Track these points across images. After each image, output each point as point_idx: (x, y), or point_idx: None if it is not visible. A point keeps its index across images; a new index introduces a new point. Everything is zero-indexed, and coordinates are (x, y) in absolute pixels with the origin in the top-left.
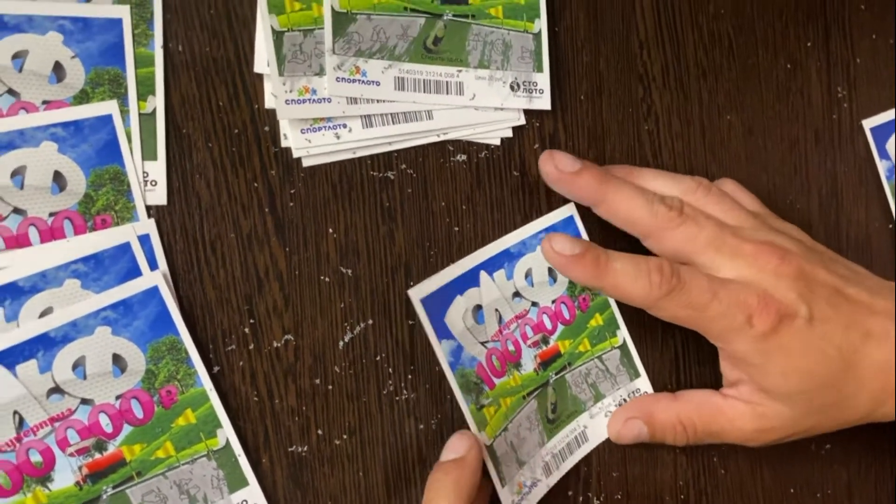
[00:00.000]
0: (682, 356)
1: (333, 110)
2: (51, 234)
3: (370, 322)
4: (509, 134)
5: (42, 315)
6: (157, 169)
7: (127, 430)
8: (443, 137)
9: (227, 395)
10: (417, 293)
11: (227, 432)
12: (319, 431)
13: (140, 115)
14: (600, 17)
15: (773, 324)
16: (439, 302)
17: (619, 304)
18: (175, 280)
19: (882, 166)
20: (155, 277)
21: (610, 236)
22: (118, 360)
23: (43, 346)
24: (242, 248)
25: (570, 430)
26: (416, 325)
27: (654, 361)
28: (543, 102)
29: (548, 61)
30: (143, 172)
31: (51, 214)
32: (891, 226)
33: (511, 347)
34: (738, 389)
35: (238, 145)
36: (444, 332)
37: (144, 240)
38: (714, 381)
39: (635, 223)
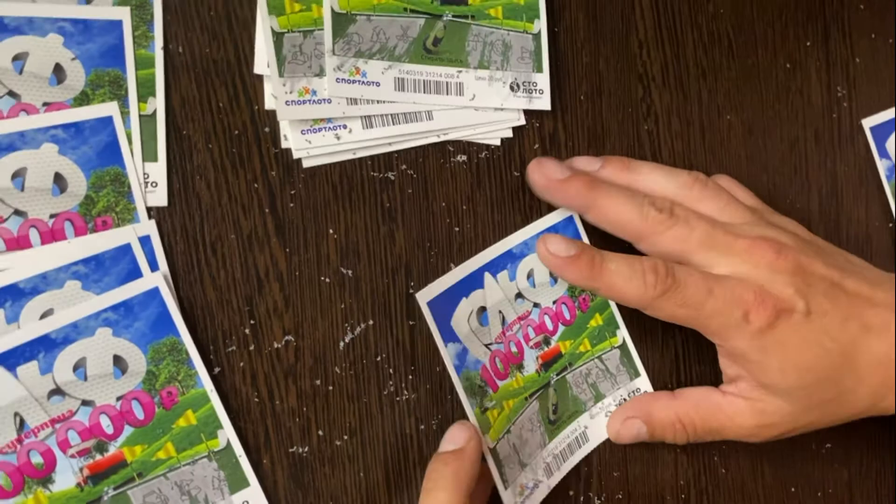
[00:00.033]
0: (682, 355)
1: (333, 111)
2: (51, 235)
3: (371, 323)
4: (509, 134)
5: (43, 316)
6: (158, 170)
7: (128, 431)
8: (443, 138)
9: (227, 395)
10: (424, 296)
11: (227, 433)
12: (320, 432)
13: (140, 116)
14: (600, 18)
15: (770, 319)
16: (445, 305)
17: (618, 304)
18: (175, 281)
19: (882, 165)
20: (155, 279)
21: (609, 237)
22: (119, 362)
23: (44, 347)
24: (243, 249)
25: (571, 431)
26: (416, 326)
27: (654, 361)
28: (543, 103)
29: (547, 61)
30: (144, 174)
31: (51, 216)
32: (891, 225)
33: (514, 349)
34: (737, 386)
35: (238, 146)
36: (449, 336)
37: (145, 241)
38: (715, 379)
39: (626, 228)
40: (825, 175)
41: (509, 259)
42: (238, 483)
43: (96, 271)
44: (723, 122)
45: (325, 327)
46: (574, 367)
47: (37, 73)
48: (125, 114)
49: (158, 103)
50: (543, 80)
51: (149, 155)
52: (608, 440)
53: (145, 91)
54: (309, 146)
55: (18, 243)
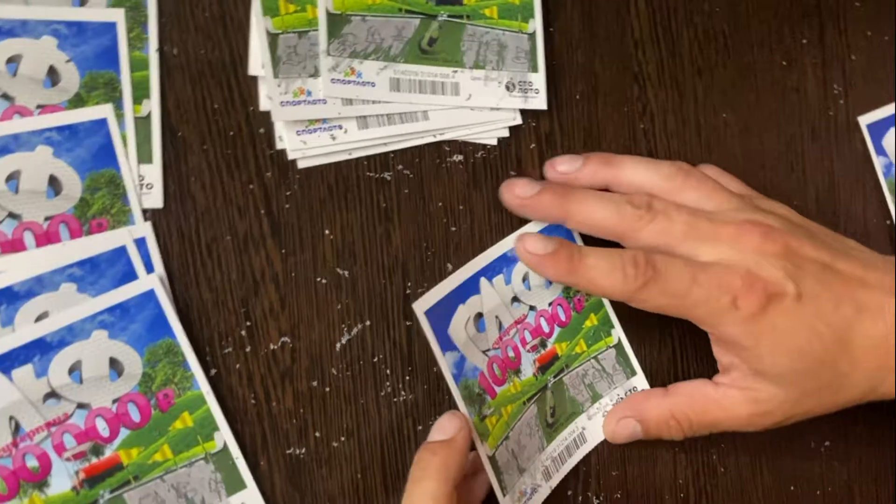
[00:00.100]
0: (680, 353)
1: (329, 111)
2: (46, 238)
3: (367, 323)
4: (506, 134)
5: (38, 319)
6: (153, 172)
7: (124, 433)
8: (439, 138)
9: (224, 397)
10: (421, 306)
11: (224, 435)
12: (317, 433)
13: (135, 118)
14: (595, 17)
15: (760, 303)
16: (442, 313)
17: (612, 302)
18: (171, 283)
19: (879, 162)
20: (151, 281)
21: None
22: (115, 364)
23: (39, 350)
24: (238, 251)
25: (569, 433)
26: (413, 326)
27: (652, 359)
28: (539, 102)
29: (543, 61)
30: (139, 176)
31: (46, 219)
32: (888, 222)
33: (511, 354)
34: (730, 376)
35: (233, 148)
36: (447, 345)
37: (140, 243)
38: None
39: (606, 229)
40: (822, 173)
41: (504, 263)
42: (235, 485)
43: (92, 274)
44: (719, 120)
45: (321, 328)
46: (570, 369)
47: (31, 75)
48: (120, 116)
49: (153, 105)
50: (539, 79)
51: (144, 157)
52: (606, 440)
53: (140, 93)
54: (304, 147)
55: (13, 246)
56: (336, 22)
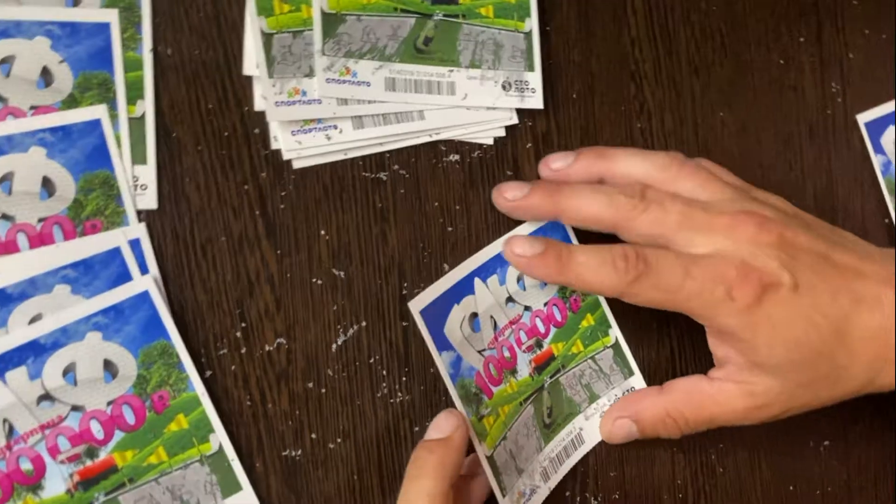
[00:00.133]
0: (678, 353)
1: (324, 111)
2: (40, 239)
3: (363, 324)
4: (502, 133)
5: (32, 321)
6: (147, 173)
7: (118, 436)
8: (435, 137)
9: (219, 399)
10: (416, 305)
11: (219, 437)
12: (313, 435)
13: (129, 119)
14: (591, 15)
15: (755, 294)
16: (437, 313)
17: (609, 302)
18: (166, 284)
19: (877, 161)
20: (146, 282)
21: (599, 237)
22: (109, 366)
23: (33, 352)
24: (233, 252)
25: (567, 434)
26: (409, 327)
27: (650, 359)
28: (535, 101)
29: (539, 60)
30: (133, 176)
31: (40, 220)
32: (887, 220)
33: (507, 354)
34: (725, 370)
35: (228, 148)
36: (443, 344)
37: (135, 244)
38: None
39: (599, 220)
40: (820, 171)
41: (499, 263)
42: (230, 487)
43: (86, 275)
44: (716, 119)
45: (317, 329)
46: (567, 369)
47: (24, 76)
48: (114, 116)
49: (147, 106)
50: (535, 78)
51: (138, 158)
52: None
53: (134, 93)
54: (299, 147)
55: (6, 248)
56: (331, 21)
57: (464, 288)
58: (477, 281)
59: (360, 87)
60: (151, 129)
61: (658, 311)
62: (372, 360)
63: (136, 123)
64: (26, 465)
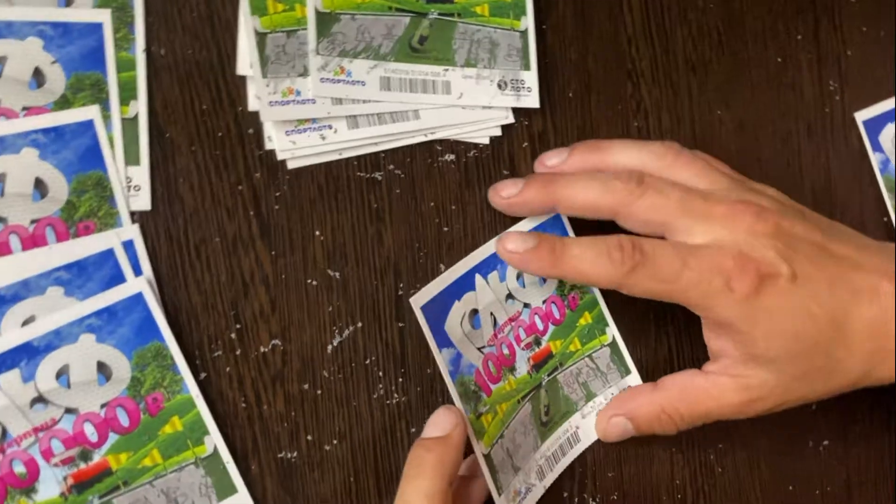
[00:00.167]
0: (675, 351)
1: (318, 111)
2: (32, 241)
3: (359, 325)
4: (498, 133)
5: (25, 324)
6: (141, 174)
7: (113, 438)
8: (430, 137)
9: (214, 401)
10: (418, 301)
11: (214, 439)
12: (309, 437)
13: (122, 119)
14: (587, 14)
15: (753, 284)
16: (438, 309)
17: (607, 300)
18: (160, 286)
19: (875, 159)
20: (139, 283)
21: (598, 231)
22: (103, 368)
23: (26, 355)
24: (227, 253)
25: (563, 432)
26: (406, 328)
27: (648, 358)
28: (531, 100)
29: (535, 59)
30: (127, 177)
31: (32, 222)
32: (885, 219)
33: (506, 351)
34: (719, 363)
35: (222, 148)
36: (444, 341)
37: (128, 245)
38: None
39: (597, 207)
40: (818, 169)
41: (499, 259)
42: (226, 490)
43: (79, 277)
44: (713, 117)
45: (312, 330)
46: (565, 367)
47: (16, 77)
48: (107, 117)
49: (140, 106)
50: (531, 77)
51: (131, 158)
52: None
53: (127, 94)
54: (294, 147)
55: None
56: (325, 20)
57: (464, 284)
58: (477, 277)
59: (354, 86)
60: (145, 130)
61: (655, 310)
62: (368, 362)
63: (130, 124)
64: (20, 469)
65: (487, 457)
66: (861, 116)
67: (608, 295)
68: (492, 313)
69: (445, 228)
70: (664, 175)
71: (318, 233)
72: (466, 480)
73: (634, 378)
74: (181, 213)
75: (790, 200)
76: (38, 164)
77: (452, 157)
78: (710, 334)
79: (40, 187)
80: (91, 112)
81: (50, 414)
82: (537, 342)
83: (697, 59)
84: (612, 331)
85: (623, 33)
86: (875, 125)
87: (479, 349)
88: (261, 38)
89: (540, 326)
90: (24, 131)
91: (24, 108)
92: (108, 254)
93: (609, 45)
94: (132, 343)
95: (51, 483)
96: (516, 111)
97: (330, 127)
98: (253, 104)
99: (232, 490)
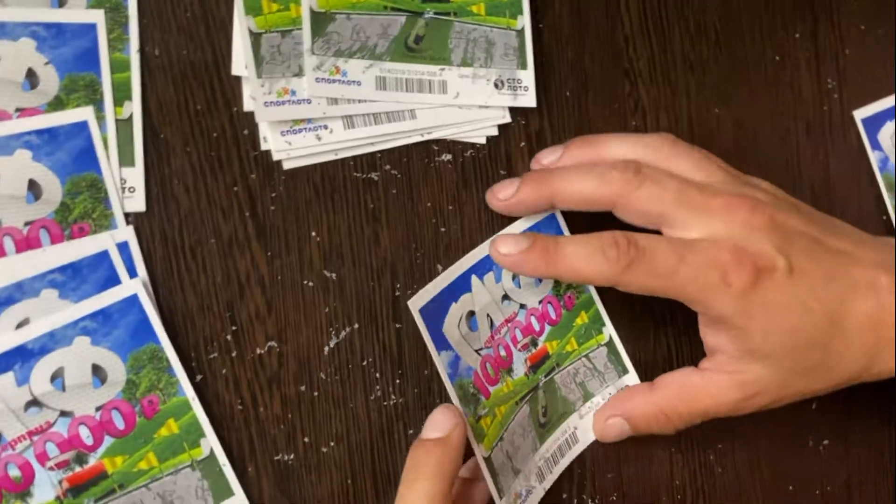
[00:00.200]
0: (673, 350)
1: (314, 111)
2: (26, 243)
3: (356, 326)
4: (495, 132)
5: (19, 326)
6: (135, 175)
7: (108, 441)
8: (427, 137)
9: (210, 403)
10: (416, 304)
11: (210, 441)
12: (306, 439)
13: (117, 120)
14: (584, 12)
15: (750, 278)
16: (436, 311)
17: (603, 300)
18: (155, 287)
19: (874, 157)
20: (134, 285)
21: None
22: (98, 371)
23: (20, 358)
24: (223, 254)
25: (561, 433)
26: (403, 329)
27: (647, 358)
28: (528, 100)
29: (532, 58)
30: (121, 179)
31: (26, 223)
32: (885, 217)
33: (503, 352)
34: (715, 360)
35: (217, 149)
36: (442, 344)
37: (123, 247)
38: None
39: (595, 199)
40: (817, 168)
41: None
42: (222, 492)
43: (73, 279)
44: (711, 115)
45: (308, 332)
46: (562, 368)
47: (9, 78)
48: (101, 118)
49: (135, 107)
50: (528, 76)
51: (126, 160)
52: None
53: (121, 95)
54: (289, 147)
55: None
56: (320, 20)
57: (461, 286)
58: (474, 278)
59: (350, 86)
60: (139, 131)
61: (652, 309)
62: (365, 363)
63: (124, 125)
64: (14, 472)
65: (488, 460)
66: (860, 114)
67: (604, 294)
68: (488, 315)
69: (442, 229)
70: (661, 165)
71: (314, 234)
72: (467, 483)
73: (632, 378)
74: (176, 215)
75: (785, 194)
76: (31, 165)
77: (449, 157)
78: (707, 330)
79: (34, 189)
80: (85, 113)
81: (45, 417)
82: (534, 343)
83: (695, 58)
84: (609, 330)
85: (620, 32)
86: (874, 123)
87: (476, 351)
88: (255, 38)
89: (536, 327)
90: (17, 133)
91: (18, 110)
92: (103, 256)
93: (606, 44)
94: (127, 345)
95: (46, 487)
96: (513, 111)
97: (326, 127)
98: (248, 104)
99: (228, 493)
